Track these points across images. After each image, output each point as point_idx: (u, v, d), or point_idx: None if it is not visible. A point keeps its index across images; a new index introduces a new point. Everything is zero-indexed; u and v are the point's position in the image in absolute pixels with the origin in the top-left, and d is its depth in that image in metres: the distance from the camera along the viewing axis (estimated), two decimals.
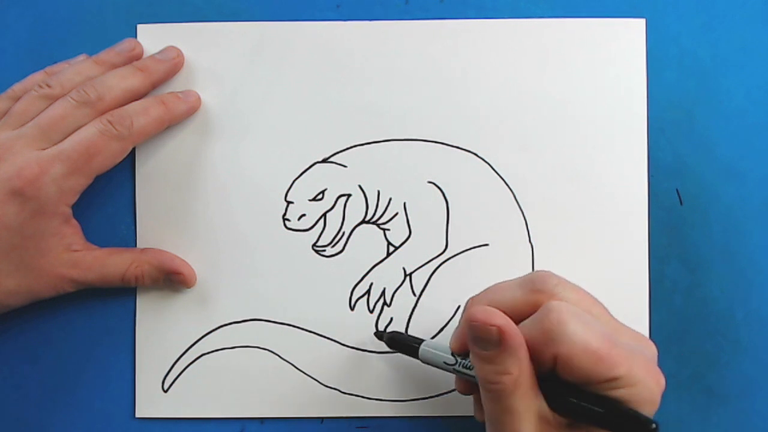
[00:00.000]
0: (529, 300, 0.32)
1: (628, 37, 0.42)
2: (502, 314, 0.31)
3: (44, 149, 0.38)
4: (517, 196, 0.42)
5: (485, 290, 0.35)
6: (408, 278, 0.42)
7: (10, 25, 0.43)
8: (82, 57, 0.42)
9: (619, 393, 0.30)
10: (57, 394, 0.42)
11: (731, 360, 0.42)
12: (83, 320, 0.42)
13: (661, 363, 0.32)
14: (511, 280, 0.34)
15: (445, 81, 0.42)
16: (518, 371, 0.31)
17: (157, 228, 0.42)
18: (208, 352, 0.42)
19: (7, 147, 0.37)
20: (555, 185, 0.42)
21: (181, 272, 0.41)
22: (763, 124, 0.42)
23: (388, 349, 0.41)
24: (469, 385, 0.36)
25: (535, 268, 0.42)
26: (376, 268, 0.42)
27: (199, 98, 0.42)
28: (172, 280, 0.41)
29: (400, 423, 0.42)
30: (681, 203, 0.42)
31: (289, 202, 0.42)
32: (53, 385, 0.42)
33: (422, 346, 0.37)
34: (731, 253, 0.42)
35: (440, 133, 0.42)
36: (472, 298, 0.35)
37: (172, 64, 0.42)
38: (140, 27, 0.43)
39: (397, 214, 0.42)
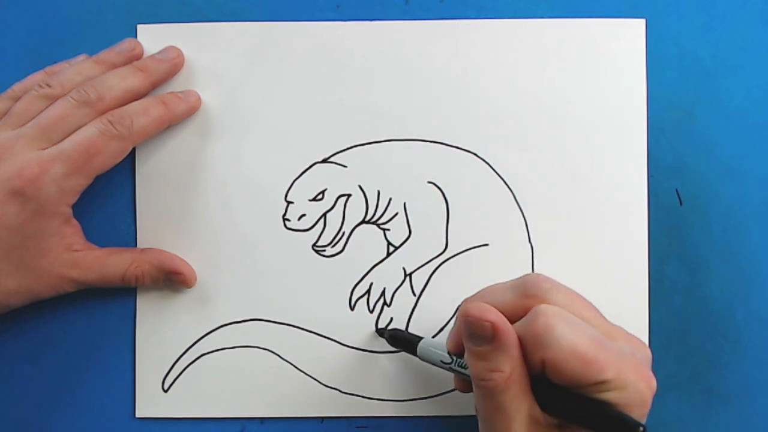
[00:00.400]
0: (521, 303, 0.32)
1: (628, 37, 0.42)
2: (497, 311, 0.31)
3: (44, 149, 0.38)
4: (516, 196, 0.42)
5: (478, 292, 0.35)
6: (408, 278, 0.42)
7: (10, 25, 0.43)
8: (82, 57, 0.42)
9: (608, 396, 0.30)
10: (57, 394, 0.42)
11: (731, 360, 0.42)
12: (83, 320, 0.42)
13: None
14: (504, 283, 0.34)
15: (445, 81, 0.42)
16: (510, 369, 0.31)
17: (157, 228, 0.42)
18: (208, 352, 0.42)
19: (7, 147, 0.37)
20: (555, 185, 0.42)
21: (182, 272, 0.41)
22: (763, 124, 0.42)
23: (388, 349, 0.41)
24: (467, 383, 0.36)
25: (535, 268, 0.42)
26: (376, 268, 0.42)
27: (199, 98, 0.42)
28: (172, 280, 0.41)
29: (400, 423, 0.42)
30: (681, 203, 0.42)
31: (289, 202, 0.42)
32: (53, 385, 0.42)
33: (420, 344, 0.37)
34: (731, 253, 0.42)
35: (440, 133, 0.42)
36: (465, 300, 0.35)
37: (172, 64, 0.42)
38: (140, 27, 0.43)
39: (397, 214, 0.42)
